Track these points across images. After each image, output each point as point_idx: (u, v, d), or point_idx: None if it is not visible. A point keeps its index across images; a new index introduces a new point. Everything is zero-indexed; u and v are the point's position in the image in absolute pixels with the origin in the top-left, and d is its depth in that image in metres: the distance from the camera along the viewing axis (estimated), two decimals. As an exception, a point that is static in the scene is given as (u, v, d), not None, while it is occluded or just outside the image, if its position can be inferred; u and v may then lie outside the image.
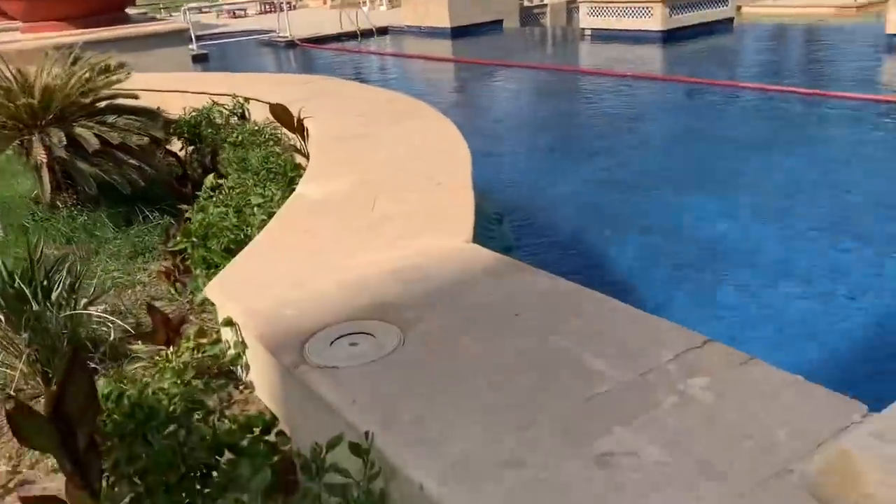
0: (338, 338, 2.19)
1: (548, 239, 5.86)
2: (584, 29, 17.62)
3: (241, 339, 2.49)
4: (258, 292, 2.59)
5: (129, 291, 4.08)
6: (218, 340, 2.66)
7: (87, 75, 5.34)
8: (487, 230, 3.95)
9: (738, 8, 18.28)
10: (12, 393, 2.83)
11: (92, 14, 9.66)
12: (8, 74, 5.30)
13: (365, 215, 3.25)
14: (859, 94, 9.61)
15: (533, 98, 12.57)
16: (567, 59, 16.40)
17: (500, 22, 20.85)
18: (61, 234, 5.09)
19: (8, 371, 2.95)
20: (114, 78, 5.42)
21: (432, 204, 3.31)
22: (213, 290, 2.74)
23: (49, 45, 8.78)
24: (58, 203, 5.35)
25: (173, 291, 3.79)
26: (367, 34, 21.12)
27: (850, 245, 5.49)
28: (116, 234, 5.08)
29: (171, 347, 2.70)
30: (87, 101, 5.26)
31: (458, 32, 19.86)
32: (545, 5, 22.81)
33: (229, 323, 2.55)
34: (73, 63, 5.46)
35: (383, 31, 21.65)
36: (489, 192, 6.34)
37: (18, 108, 4.97)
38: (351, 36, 20.82)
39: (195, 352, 2.56)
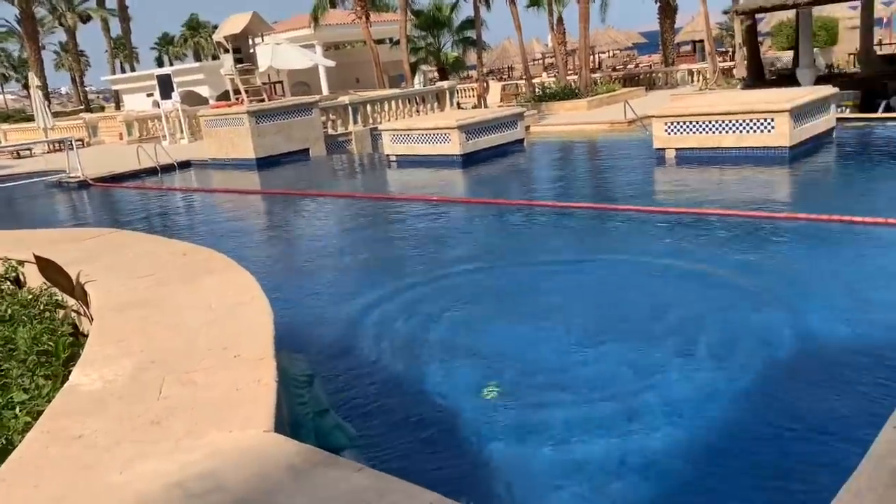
0: None
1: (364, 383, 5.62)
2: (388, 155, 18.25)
3: None
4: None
5: None
6: None
7: None
8: (297, 395, 3.63)
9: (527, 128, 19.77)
10: None
11: None
12: None
13: (149, 407, 2.84)
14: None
15: (343, 223, 12.55)
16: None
17: (306, 150, 21.01)
18: None
19: None
20: None
21: (227, 384, 2.97)
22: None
23: None
24: None
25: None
26: (167, 169, 20.42)
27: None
28: None
29: None
30: None
31: (262, 163, 19.73)
32: (349, 133, 23.37)
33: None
34: None
35: (185, 164, 21.05)
36: (294, 338, 6.06)
37: None
38: (150, 172, 20.02)
39: None
